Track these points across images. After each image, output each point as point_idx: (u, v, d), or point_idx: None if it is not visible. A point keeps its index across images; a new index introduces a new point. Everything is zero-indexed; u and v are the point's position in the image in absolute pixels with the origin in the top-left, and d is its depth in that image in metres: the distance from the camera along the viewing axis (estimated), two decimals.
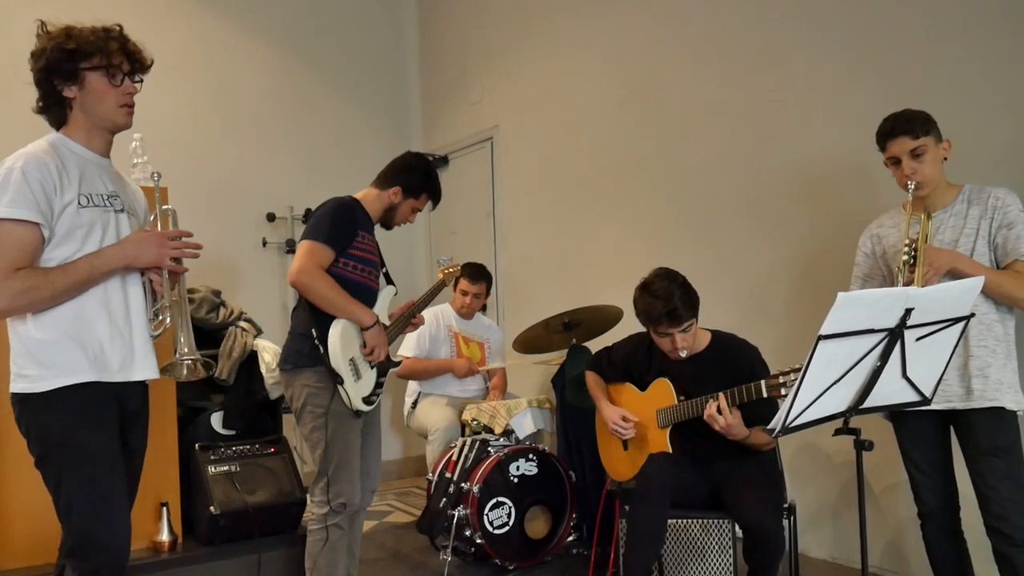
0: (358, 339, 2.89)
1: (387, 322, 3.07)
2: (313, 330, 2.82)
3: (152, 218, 2.23)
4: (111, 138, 2.19)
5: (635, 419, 3.04)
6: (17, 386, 2.03)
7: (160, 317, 2.18)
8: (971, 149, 2.57)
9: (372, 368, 2.95)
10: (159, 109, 4.87)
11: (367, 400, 2.91)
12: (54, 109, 2.11)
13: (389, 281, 3.17)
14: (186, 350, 2.12)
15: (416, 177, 3.09)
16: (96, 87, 2.08)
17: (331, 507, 2.82)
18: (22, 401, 2.03)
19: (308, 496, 2.93)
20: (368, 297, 2.97)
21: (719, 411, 2.67)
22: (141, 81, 2.19)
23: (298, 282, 2.81)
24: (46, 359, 2.01)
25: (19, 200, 1.95)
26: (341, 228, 2.88)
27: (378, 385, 2.98)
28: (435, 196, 3.16)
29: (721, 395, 2.69)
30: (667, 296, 2.82)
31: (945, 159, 2.48)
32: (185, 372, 2.13)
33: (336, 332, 2.81)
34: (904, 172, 2.47)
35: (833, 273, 3.23)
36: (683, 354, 2.88)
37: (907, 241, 2.38)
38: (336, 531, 2.84)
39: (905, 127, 2.45)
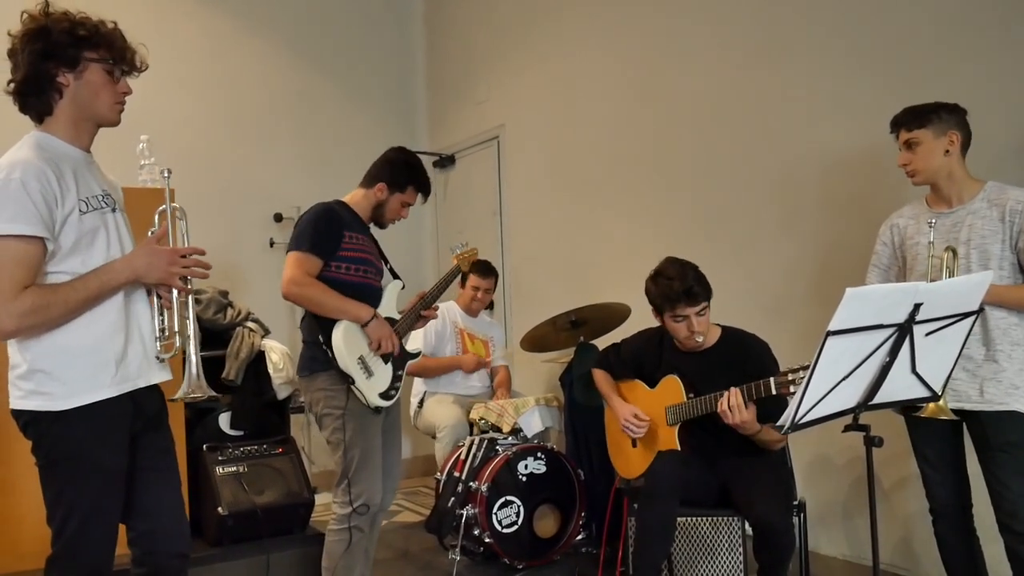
0: (364, 337, 2.89)
1: (397, 316, 3.07)
2: (320, 336, 2.84)
3: (158, 216, 2.17)
4: (96, 131, 2.10)
5: (647, 418, 3.03)
6: (32, 403, 1.94)
7: (169, 338, 2.12)
8: (977, 143, 2.55)
9: (386, 363, 2.95)
10: (166, 110, 4.90)
11: (384, 395, 2.90)
12: (42, 96, 1.98)
13: (395, 276, 3.16)
14: (187, 390, 2.08)
15: (399, 170, 3.06)
16: (95, 80, 2.00)
17: (355, 508, 2.82)
18: (34, 414, 1.96)
19: (331, 497, 2.92)
20: (371, 295, 2.97)
21: (732, 406, 2.65)
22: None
23: (289, 293, 2.84)
24: (66, 376, 1.95)
25: (21, 214, 1.85)
26: (324, 233, 2.88)
27: (396, 379, 2.97)
28: (422, 188, 3.12)
29: (735, 389, 2.66)
30: (682, 276, 2.84)
31: (947, 152, 2.47)
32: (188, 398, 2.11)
33: (339, 333, 2.82)
34: (899, 161, 2.57)
35: (846, 268, 3.21)
36: (699, 339, 2.88)
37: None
38: (357, 533, 2.84)
39: (900, 120, 2.56)
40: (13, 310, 1.86)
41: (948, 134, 2.47)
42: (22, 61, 1.96)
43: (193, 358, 2.09)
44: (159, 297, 2.13)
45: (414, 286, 3.54)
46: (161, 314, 2.14)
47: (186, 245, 2.14)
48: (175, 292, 2.08)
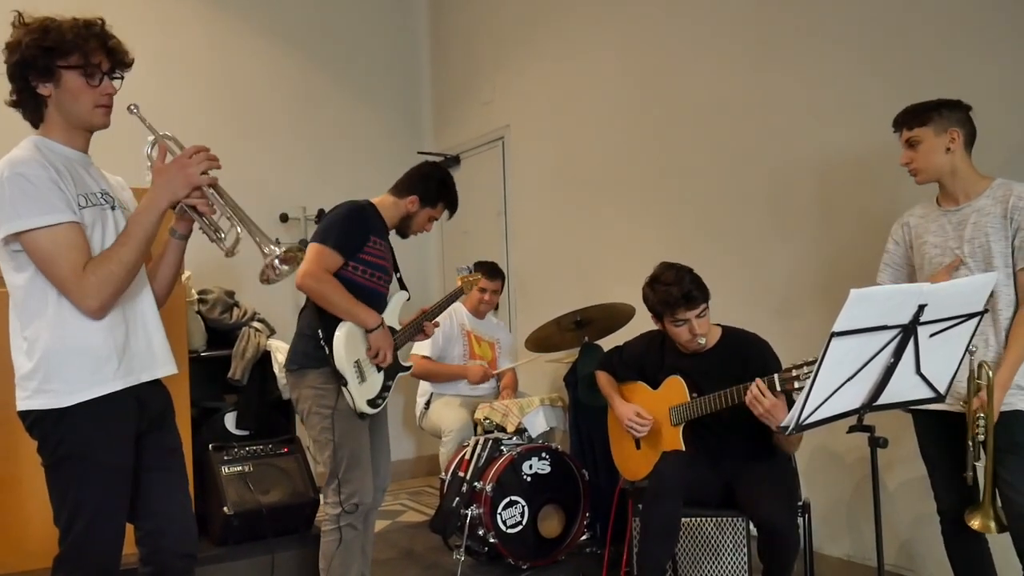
0: (364, 342, 2.90)
1: (398, 327, 3.07)
2: (319, 331, 2.84)
3: (149, 148, 2.15)
4: (90, 136, 2.11)
5: (649, 416, 3.03)
6: (38, 402, 1.95)
7: (222, 235, 2.13)
8: (986, 142, 2.55)
9: (379, 372, 2.96)
10: (172, 110, 4.88)
11: (372, 403, 2.91)
12: (29, 105, 2.02)
13: (403, 287, 3.18)
14: (266, 251, 2.05)
15: (433, 186, 3.11)
16: (72, 86, 1.99)
17: (344, 508, 2.83)
18: (39, 413, 1.96)
19: (321, 497, 2.93)
20: (378, 302, 2.98)
21: (756, 396, 2.58)
22: (122, 78, 2.09)
23: (304, 285, 2.84)
24: (68, 373, 1.95)
25: (46, 204, 1.88)
26: (351, 233, 2.89)
27: (384, 388, 2.98)
28: (452, 206, 3.19)
29: (758, 380, 2.60)
30: (679, 281, 2.86)
31: (949, 149, 2.47)
32: (286, 267, 2.10)
33: (341, 334, 2.83)
34: (901, 160, 2.57)
35: (849, 270, 3.21)
36: (702, 341, 2.88)
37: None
38: (350, 531, 2.85)
39: (901, 119, 2.56)
40: (87, 290, 1.91)
41: (949, 132, 2.46)
42: (8, 73, 2.00)
43: (249, 228, 2.08)
44: (199, 212, 2.11)
45: (416, 286, 3.55)
46: (210, 224, 2.13)
47: None
48: (207, 191, 2.07)
